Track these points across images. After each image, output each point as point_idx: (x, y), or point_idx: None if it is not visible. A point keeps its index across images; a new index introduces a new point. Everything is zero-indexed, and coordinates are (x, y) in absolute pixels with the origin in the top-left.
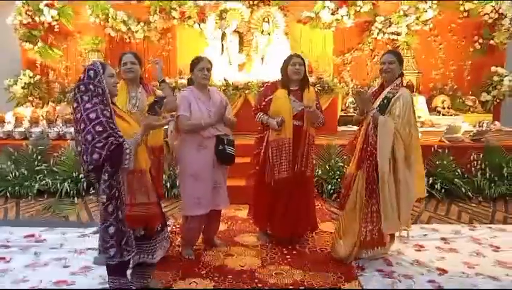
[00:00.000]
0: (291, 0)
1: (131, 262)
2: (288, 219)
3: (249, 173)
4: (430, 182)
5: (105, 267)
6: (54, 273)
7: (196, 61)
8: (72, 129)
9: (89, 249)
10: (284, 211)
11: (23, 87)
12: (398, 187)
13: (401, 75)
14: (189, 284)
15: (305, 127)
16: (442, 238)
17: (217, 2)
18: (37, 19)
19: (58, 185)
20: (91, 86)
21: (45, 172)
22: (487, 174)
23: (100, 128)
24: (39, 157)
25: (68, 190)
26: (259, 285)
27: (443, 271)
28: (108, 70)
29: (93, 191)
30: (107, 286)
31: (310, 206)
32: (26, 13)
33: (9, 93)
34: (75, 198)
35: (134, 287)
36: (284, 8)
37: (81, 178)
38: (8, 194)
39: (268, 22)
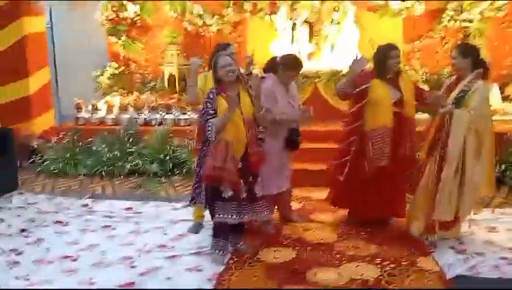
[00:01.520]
0: None
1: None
2: (380, 201)
3: (336, 163)
4: (502, 168)
5: (197, 234)
6: (155, 239)
7: (294, 65)
8: (157, 115)
9: (183, 220)
10: (377, 194)
11: (108, 78)
12: (463, 180)
13: (479, 66)
14: (274, 251)
15: (404, 113)
16: None
17: None
18: (120, 14)
19: (147, 165)
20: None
21: (135, 154)
22: None
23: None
24: (130, 140)
25: (156, 170)
26: (338, 256)
27: None
28: (221, 62)
29: (177, 172)
30: (201, 250)
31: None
32: (111, 9)
33: (96, 83)
34: (163, 177)
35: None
36: None
37: (167, 160)
38: (103, 173)
39: (338, 11)
